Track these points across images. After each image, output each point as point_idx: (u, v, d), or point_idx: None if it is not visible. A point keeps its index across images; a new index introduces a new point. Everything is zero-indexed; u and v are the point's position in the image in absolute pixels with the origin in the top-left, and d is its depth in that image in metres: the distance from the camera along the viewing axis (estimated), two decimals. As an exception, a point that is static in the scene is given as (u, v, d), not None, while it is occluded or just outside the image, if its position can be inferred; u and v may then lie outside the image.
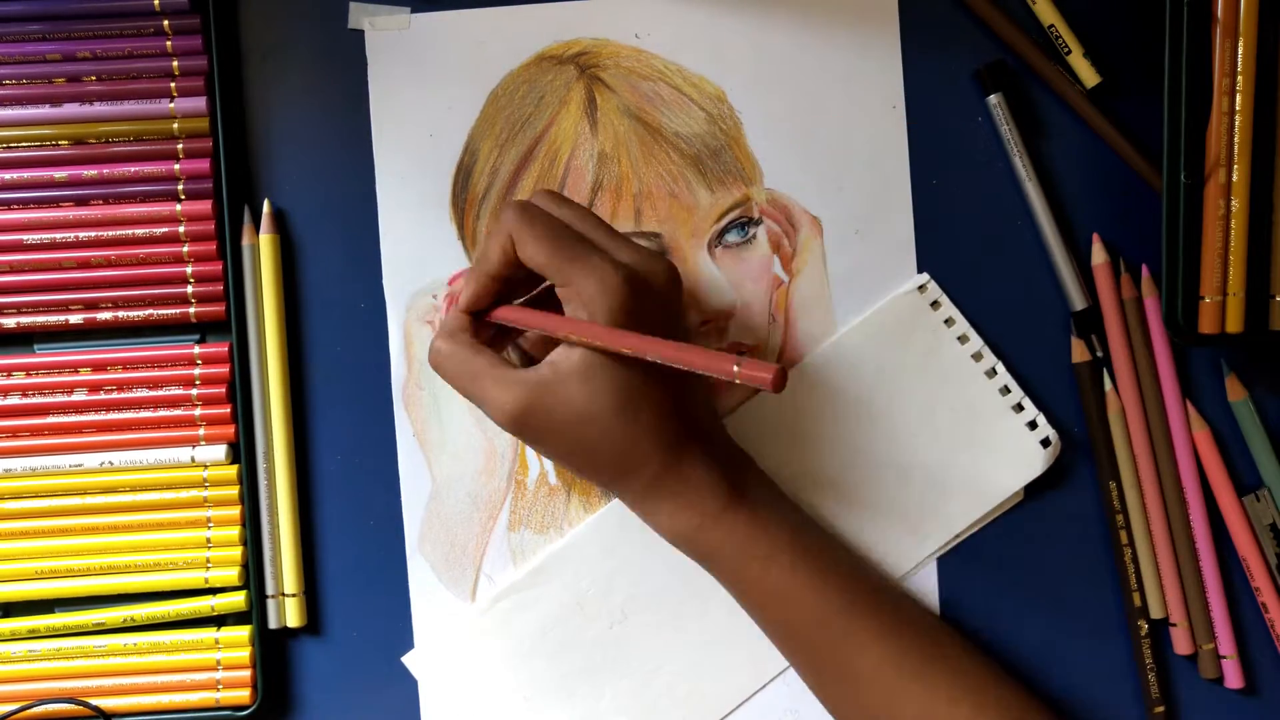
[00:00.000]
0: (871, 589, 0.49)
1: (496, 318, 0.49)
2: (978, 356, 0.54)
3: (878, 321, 0.54)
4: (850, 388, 0.54)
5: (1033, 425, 0.54)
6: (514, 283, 0.48)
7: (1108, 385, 0.54)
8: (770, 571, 0.48)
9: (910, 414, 0.54)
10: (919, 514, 0.54)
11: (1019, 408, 0.54)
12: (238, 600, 0.54)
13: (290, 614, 0.54)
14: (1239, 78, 0.49)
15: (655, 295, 0.46)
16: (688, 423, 0.48)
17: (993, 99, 0.54)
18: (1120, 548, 0.54)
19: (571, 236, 0.46)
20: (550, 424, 0.46)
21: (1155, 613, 0.53)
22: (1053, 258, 0.54)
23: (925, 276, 0.55)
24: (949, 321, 0.54)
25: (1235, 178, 0.50)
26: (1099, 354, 0.54)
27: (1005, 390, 0.54)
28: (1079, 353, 0.54)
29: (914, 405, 0.54)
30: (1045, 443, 0.54)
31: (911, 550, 0.54)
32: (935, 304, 0.54)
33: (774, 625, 0.50)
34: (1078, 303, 0.54)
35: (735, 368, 0.41)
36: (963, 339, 0.54)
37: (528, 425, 0.46)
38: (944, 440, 0.54)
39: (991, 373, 0.54)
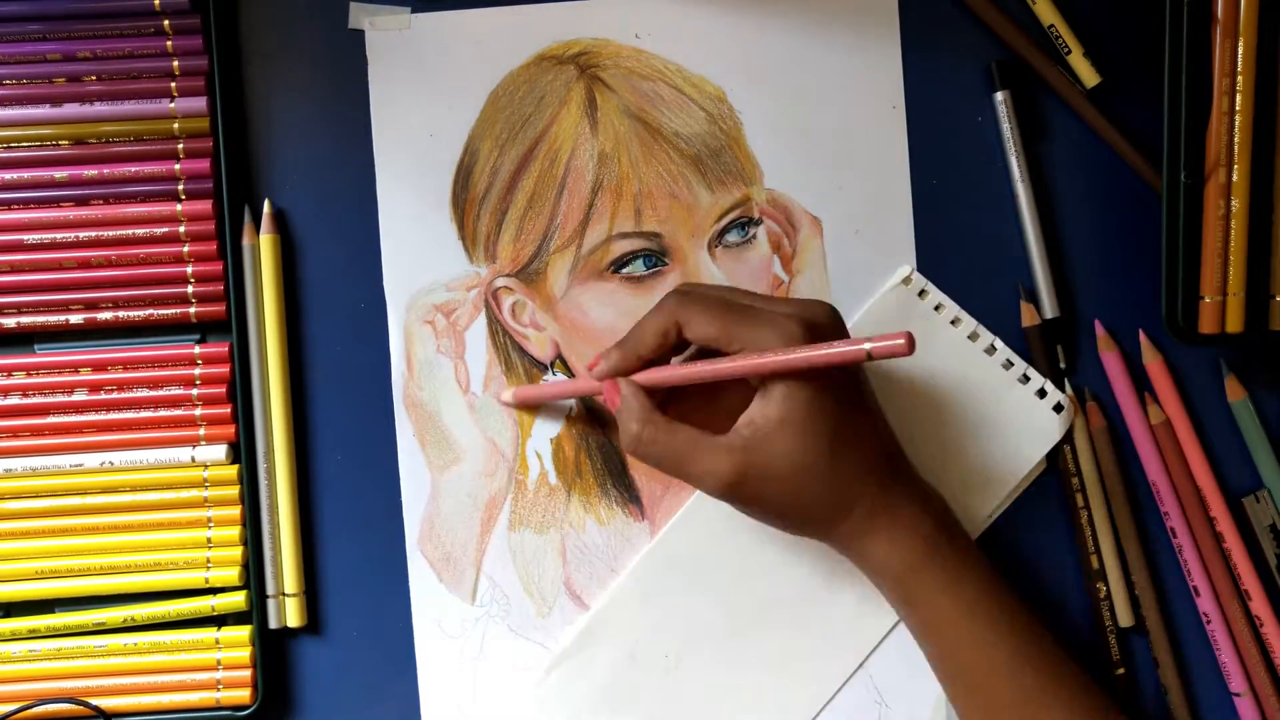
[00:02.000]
0: (1060, 660, 0.49)
1: (667, 380, 0.48)
2: (974, 337, 0.54)
3: (869, 322, 0.54)
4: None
5: (1042, 393, 0.54)
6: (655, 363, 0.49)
7: (1069, 392, 0.54)
8: (971, 622, 0.48)
9: (920, 406, 0.54)
10: (952, 503, 0.53)
11: (1025, 378, 0.54)
12: (238, 600, 0.54)
13: (290, 614, 0.54)
14: (1239, 77, 0.49)
15: (825, 334, 0.46)
16: (892, 456, 0.49)
17: (1000, 96, 0.54)
18: (1087, 558, 0.54)
19: (736, 304, 0.47)
20: (766, 483, 0.46)
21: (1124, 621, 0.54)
22: (1032, 263, 0.54)
23: (908, 268, 0.55)
24: (939, 308, 0.54)
25: (1235, 177, 0.50)
26: (1062, 365, 0.55)
27: (1008, 364, 0.54)
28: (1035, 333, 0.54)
29: (922, 397, 0.54)
30: (1058, 408, 0.54)
31: None
32: (923, 293, 0.54)
33: (960, 676, 0.49)
34: (1048, 311, 0.54)
35: (868, 346, 0.42)
36: (955, 322, 0.54)
37: (744, 488, 0.46)
38: (958, 425, 0.54)
39: (991, 350, 0.54)
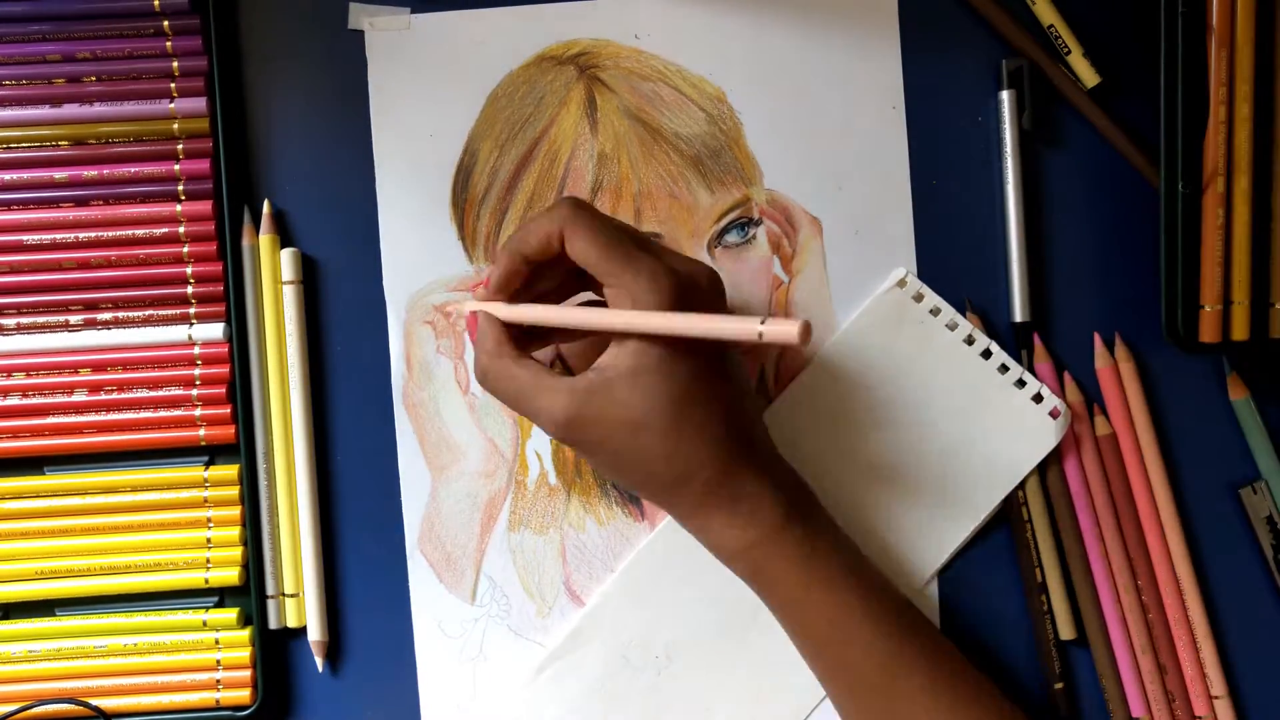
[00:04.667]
0: (918, 629, 0.48)
1: (530, 319, 0.47)
2: (970, 340, 0.54)
3: (864, 324, 0.54)
4: (849, 397, 0.54)
5: (1038, 399, 0.54)
6: (540, 276, 0.48)
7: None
8: (824, 597, 0.47)
9: (915, 410, 0.54)
10: (944, 509, 0.54)
11: (1021, 383, 0.54)
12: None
13: (290, 614, 0.54)
14: (1236, 86, 0.49)
15: (701, 297, 0.45)
16: (743, 434, 0.47)
17: (1005, 95, 0.54)
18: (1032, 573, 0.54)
19: (623, 237, 0.45)
20: (602, 431, 0.44)
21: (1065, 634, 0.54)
22: (1009, 264, 0.54)
23: (903, 270, 0.55)
24: (935, 311, 0.54)
25: (1238, 186, 0.49)
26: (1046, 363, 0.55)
27: (1004, 368, 0.54)
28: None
29: (917, 401, 0.54)
30: (1054, 414, 0.54)
31: (942, 543, 0.54)
32: (918, 296, 0.54)
33: (819, 652, 0.49)
34: (1019, 314, 0.54)
35: (760, 326, 0.40)
36: (952, 326, 0.54)
37: (579, 433, 0.45)
38: (954, 430, 0.54)
39: (987, 354, 0.54)
